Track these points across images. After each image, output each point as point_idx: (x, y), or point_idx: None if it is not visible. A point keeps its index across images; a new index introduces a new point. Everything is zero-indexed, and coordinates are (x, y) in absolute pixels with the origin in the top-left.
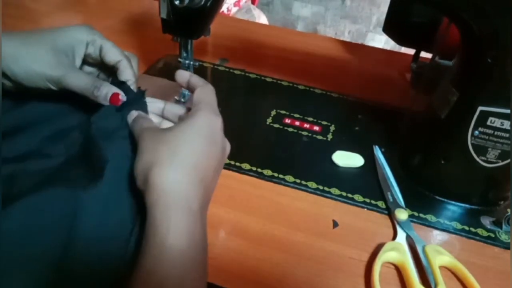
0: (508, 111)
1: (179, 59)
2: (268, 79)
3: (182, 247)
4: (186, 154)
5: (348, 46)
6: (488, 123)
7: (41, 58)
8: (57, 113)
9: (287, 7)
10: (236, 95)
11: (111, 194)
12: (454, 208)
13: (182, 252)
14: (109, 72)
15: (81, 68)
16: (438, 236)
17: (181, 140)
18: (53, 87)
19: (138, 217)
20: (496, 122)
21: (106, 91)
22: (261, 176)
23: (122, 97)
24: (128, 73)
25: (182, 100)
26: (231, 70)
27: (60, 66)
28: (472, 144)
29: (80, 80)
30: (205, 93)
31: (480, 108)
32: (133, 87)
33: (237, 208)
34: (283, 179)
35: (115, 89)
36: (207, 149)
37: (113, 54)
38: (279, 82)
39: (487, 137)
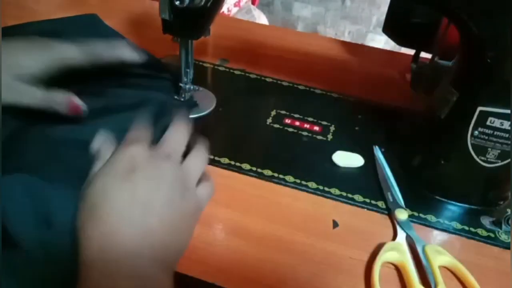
0: (508, 111)
1: (180, 84)
2: (268, 79)
3: None
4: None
5: (348, 46)
6: (488, 123)
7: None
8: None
9: (287, 7)
10: (236, 95)
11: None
12: (454, 208)
13: None
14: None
15: None
16: (438, 236)
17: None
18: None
19: None
20: (496, 122)
21: (60, 100)
22: (261, 176)
23: (83, 106)
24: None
25: (182, 99)
26: (231, 70)
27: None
28: (472, 144)
29: (33, 97)
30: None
31: (479, 108)
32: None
33: (237, 208)
34: (283, 179)
35: (72, 97)
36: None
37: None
38: (279, 82)
39: (486, 137)
